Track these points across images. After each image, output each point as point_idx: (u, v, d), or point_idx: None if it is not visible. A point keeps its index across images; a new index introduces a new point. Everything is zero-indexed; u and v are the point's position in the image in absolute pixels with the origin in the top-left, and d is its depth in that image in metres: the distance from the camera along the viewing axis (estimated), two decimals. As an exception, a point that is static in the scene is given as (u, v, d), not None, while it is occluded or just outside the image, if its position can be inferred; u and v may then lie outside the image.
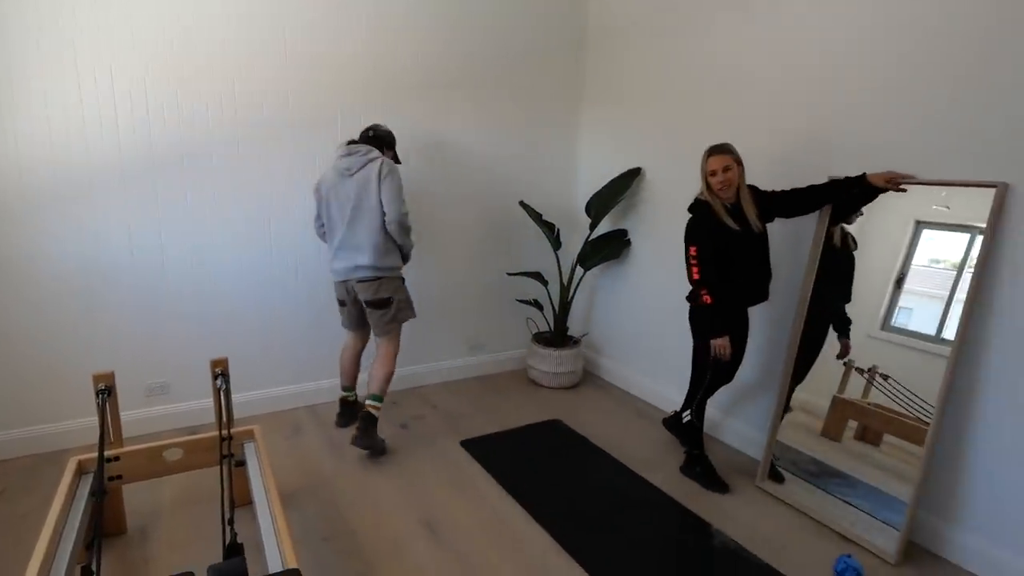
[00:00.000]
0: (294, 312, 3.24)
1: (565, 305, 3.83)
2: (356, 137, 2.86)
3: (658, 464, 2.86)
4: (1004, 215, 2.03)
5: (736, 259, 2.49)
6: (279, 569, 1.59)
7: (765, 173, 2.72)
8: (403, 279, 2.90)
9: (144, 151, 2.76)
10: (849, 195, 2.39)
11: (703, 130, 3.05)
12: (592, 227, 3.69)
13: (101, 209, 2.72)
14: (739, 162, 2.45)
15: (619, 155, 3.69)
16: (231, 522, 1.69)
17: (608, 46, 3.71)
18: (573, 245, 4.03)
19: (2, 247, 2.58)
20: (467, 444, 2.98)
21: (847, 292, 2.51)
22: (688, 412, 2.74)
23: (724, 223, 2.43)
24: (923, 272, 2.31)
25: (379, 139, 2.86)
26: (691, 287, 2.55)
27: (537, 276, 3.72)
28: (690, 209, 2.55)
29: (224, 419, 2.14)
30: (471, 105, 3.54)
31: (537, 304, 3.84)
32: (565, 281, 3.80)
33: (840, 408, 2.53)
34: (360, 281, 2.77)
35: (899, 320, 2.36)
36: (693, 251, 2.47)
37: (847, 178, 2.36)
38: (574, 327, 4.15)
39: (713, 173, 2.43)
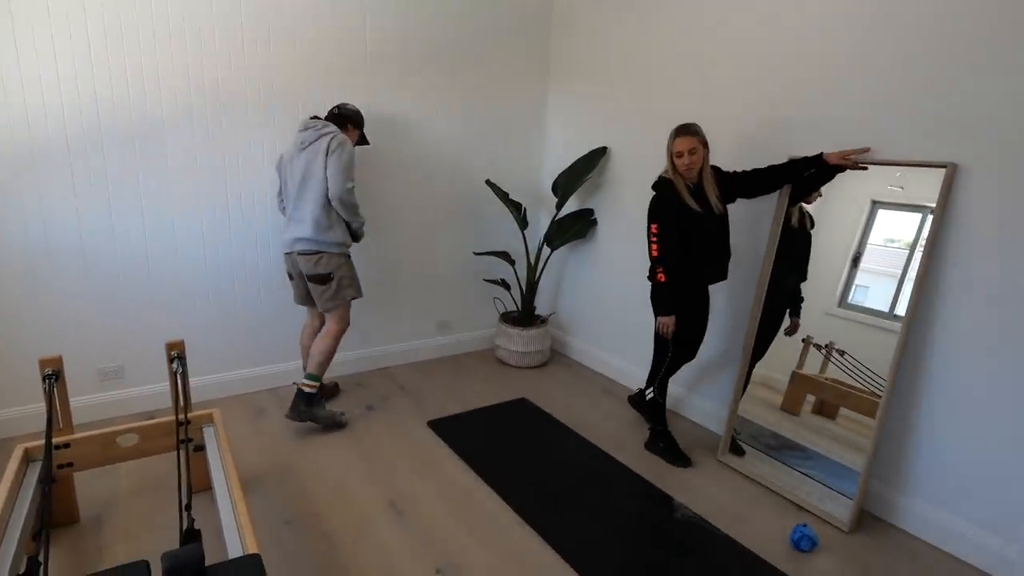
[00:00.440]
0: (255, 293, 3.16)
1: (532, 285, 3.82)
2: (323, 116, 2.80)
3: (624, 441, 2.90)
4: (952, 195, 2.09)
5: (696, 239, 2.51)
6: (239, 555, 1.56)
7: (728, 151, 2.74)
8: (348, 256, 2.83)
9: (92, 131, 2.62)
10: (808, 174, 2.43)
11: (668, 109, 3.06)
12: (559, 206, 3.68)
13: (45, 189, 2.58)
14: (704, 144, 2.46)
15: (585, 134, 3.67)
16: (188, 508, 1.65)
17: (574, 24, 3.67)
18: (540, 224, 4.02)
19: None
20: (434, 424, 2.97)
21: (803, 271, 2.57)
22: (651, 389, 2.78)
23: (686, 203, 2.45)
24: (879, 251, 2.36)
25: (343, 117, 2.82)
26: (649, 264, 2.57)
27: (504, 256, 3.71)
28: (654, 187, 2.55)
29: (182, 403, 2.08)
30: (436, 83, 3.46)
31: (504, 284, 3.83)
32: (532, 261, 3.80)
33: (799, 383, 2.60)
34: (301, 254, 2.72)
35: (856, 298, 2.42)
36: (654, 228, 2.50)
37: (805, 158, 2.40)
38: (541, 307, 4.15)
39: (679, 155, 2.44)
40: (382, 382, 3.48)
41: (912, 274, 2.20)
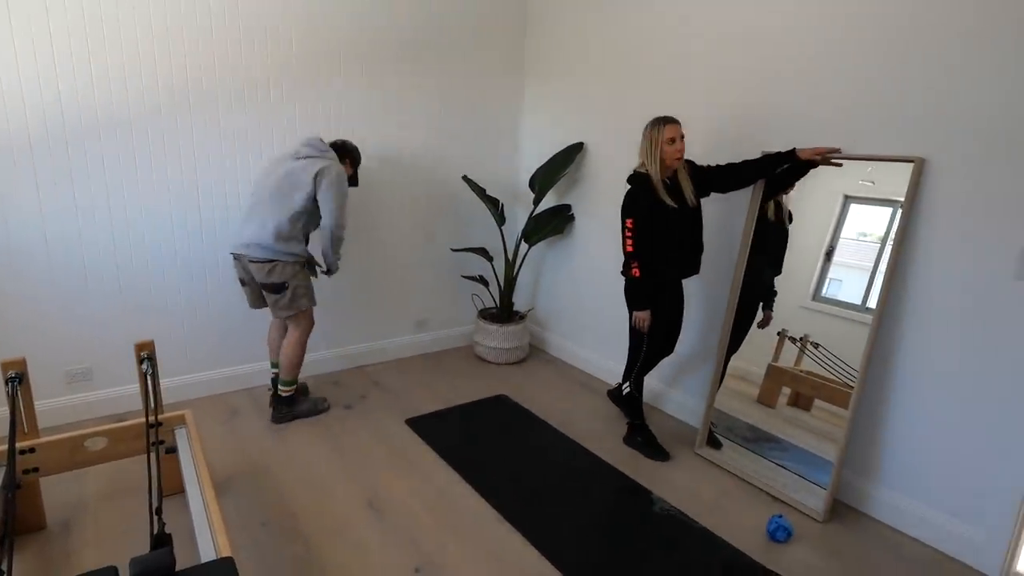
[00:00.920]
0: (226, 292, 3.10)
1: (510, 281, 3.82)
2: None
3: (602, 435, 2.91)
4: (920, 189, 2.13)
5: (670, 234, 2.52)
6: (212, 558, 1.53)
7: (702, 146, 2.76)
8: (302, 265, 2.74)
9: (56, 129, 2.54)
10: (781, 170, 2.45)
11: (643, 105, 3.06)
12: (536, 202, 3.67)
13: (6, 188, 2.50)
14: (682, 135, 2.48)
15: (562, 129, 3.67)
16: (159, 512, 1.61)
17: (550, 20, 3.66)
18: (518, 220, 4.01)
19: None
20: (412, 422, 2.95)
21: (779, 265, 2.59)
22: (627, 384, 2.79)
23: (661, 199, 2.46)
24: (852, 245, 2.40)
25: (345, 151, 2.86)
26: (624, 259, 2.57)
27: (482, 252, 3.69)
28: (629, 180, 2.55)
29: (152, 405, 2.03)
30: (412, 79, 3.43)
31: (483, 280, 3.81)
32: (510, 257, 3.79)
33: (774, 376, 2.63)
34: (253, 261, 2.64)
35: (829, 291, 2.46)
36: (630, 223, 2.49)
37: (779, 153, 2.42)
38: (520, 302, 4.15)
39: (672, 140, 2.43)
40: (359, 380, 3.45)
41: (884, 267, 2.23)
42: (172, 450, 2.13)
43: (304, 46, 3.04)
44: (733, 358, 2.73)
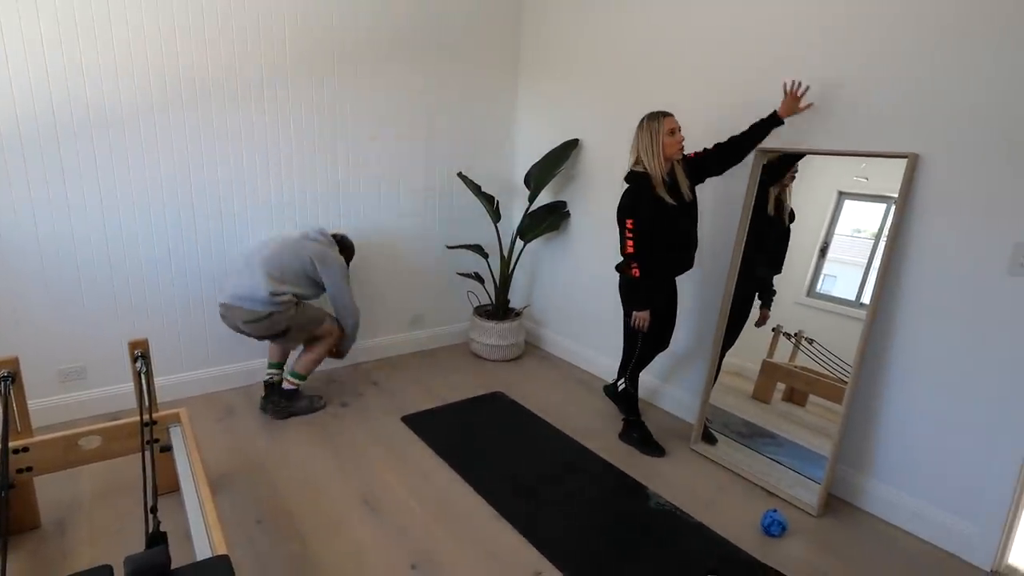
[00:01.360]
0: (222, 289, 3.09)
1: (506, 278, 3.81)
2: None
3: (598, 432, 2.92)
4: (914, 185, 2.14)
5: (669, 232, 2.52)
6: (207, 556, 1.53)
7: (698, 140, 2.75)
8: (298, 301, 2.75)
9: (48, 126, 2.52)
10: (768, 133, 2.44)
11: (637, 101, 3.06)
12: (531, 199, 3.67)
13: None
14: None
15: (557, 125, 3.66)
16: (154, 510, 1.61)
17: (544, 16, 3.65)
18: (513, 217, 4.00)
19: None
20: (408, 420, 2.95)
21: (778, 263, 2.59)
22: (622, 380, 2.80)
23: (660, 197, 2.45)
24: (846, 241, 2.41)
25: (344, 246, 3.02)
26: (623, 258, 2.57)
27: (477, 249, 3.69)
28: (627, 179, 2.54)
29: (147, 403, 2.02)
30: (406, 75, 3.41)
31: (478, 277, 3.81)
32: (506, 253, 3.78)
33: (769, 371, 2.64)
34: (248, 321, 2.64)
35: (824, 287, 2.47)
36: (630, 224, 2.47)
37: (762, 119, 2.42)
38: (515, 299, 4.15)
39: (672, 132, 2.43)
40: (355, 378, 3.44)
41: (878, 263, 2.24)
42: (167, 448, 2.12)
43: (298, 45, 3.02)
44: (728, 354, 2.74)
